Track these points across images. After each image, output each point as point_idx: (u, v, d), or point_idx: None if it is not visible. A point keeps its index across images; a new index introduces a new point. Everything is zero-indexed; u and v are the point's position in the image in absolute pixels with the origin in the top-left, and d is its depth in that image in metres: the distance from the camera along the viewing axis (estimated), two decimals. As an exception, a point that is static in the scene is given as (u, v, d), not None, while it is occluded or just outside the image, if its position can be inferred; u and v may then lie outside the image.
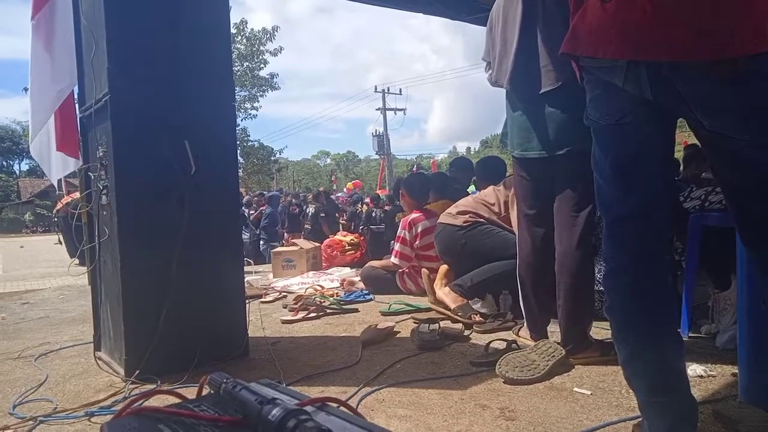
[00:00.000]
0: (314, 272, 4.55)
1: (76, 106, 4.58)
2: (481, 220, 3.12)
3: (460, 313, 2.75)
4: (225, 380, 0.68)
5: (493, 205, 3.19)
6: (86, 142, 2.41)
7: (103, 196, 2.19)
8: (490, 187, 3.33)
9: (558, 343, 2.09)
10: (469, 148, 71.91)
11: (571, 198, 2.09)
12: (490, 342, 2.28)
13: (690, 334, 2.39)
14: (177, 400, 0.80)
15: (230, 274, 2.30)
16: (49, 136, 4.36)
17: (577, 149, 2.04)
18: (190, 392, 1.86)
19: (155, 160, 2.10)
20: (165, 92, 2.12)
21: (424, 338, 2.37)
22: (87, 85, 2.34)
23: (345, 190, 25.27)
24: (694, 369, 1.90)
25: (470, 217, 3.14)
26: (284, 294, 3.85)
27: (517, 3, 2.10)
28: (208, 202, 2.20)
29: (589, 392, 1.78)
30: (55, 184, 6.18)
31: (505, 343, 2.21)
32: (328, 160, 72.23)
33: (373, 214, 8.02)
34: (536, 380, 1.90)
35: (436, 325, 2.47)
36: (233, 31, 22.41)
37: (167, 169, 2.11)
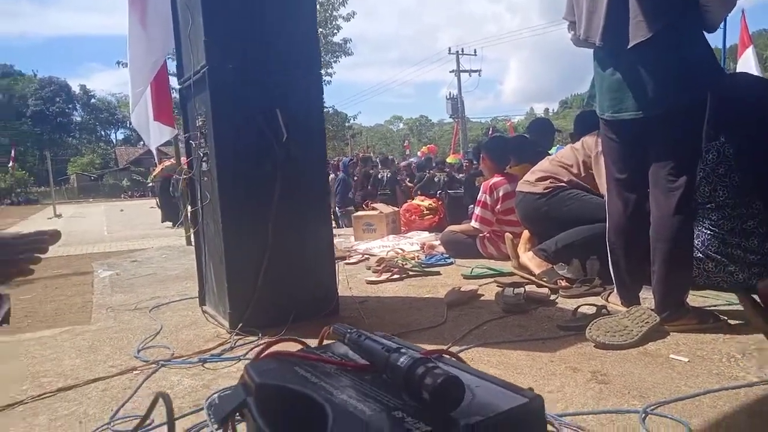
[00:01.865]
0: (394, 236, 4.64)
1: (171, 78, 4.85)
2: (562, 184, 3.02)
3: (545, 279, 2.73)
4: (349, 330, 0.73)
5: (572, 166, 3.07)
6: (186, 112, 2.57)
7: (203, 163, 2.34)
8: (568, 147, 3.22)
9: (651, 310, 2.04)
10: (547, 110, 68.95)
11: (670, 161, 1.99)
12: (578, 307, 2.25)
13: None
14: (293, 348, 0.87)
15: (321, 236, 2.41)
16: (147, 107, 4.68)
17: (675, 108, 1.93)
18: (290, 345, 2.00)
19: (250, 127, 2.21)
20: (256, 61, 2.21)
21: (509, 301, 2.38)
22: (185, 58, 2.47)
23: (419, 154, 25.19)
24: (805, 340, 1.79)
25: (550, 182, 3.05)
26: (366, 256, 3.96)
27: None
28: (298, 168, 2.30)
29: (686, 359, 1.73)
30: (154, 152, 6.67)
31: (595, 308, 2.18)
32: (401, 125, 71.99)
33: (436, 179, 8.02)
34: (629, 346, 1.86)
35: (521, 288, 2.47)
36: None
37: (261, 136, 2.22)
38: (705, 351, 1.81)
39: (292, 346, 0.95)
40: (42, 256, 0.96)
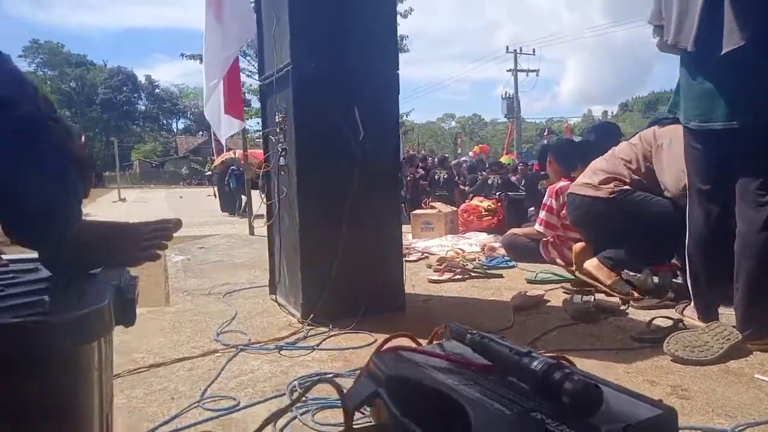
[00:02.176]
0: (452, 235, 4.64)
1: (246, 75, 4.99)
2: (627, 187, 2.88)
3: (617, 289, 2.66)
4: (470, 331, 0.76)
5: (630, 162, 2.91)
6: (265, 108, 2.66)
7: (281, 158, 2.43)
8: (624, 143, 3.09)
9: (733, 327, 1.97)
10: (606, 112, 66.61)
11: (760, 175, 1.92)
12: (652, 319, 2.20)
13: None
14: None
15: (391, 234, 2.45)
16: (219, 100, 4.87)
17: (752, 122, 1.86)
18: (360, 338, 2.05)
19: (328, 124, 2.27)
20: (337, 62, 2.27)
21: (578, 308, 2.35)
22: (267, 56, 2.56)
23: (470, 154, 24.95)
24: None
25: (615, 185, 2.90)
26: (426, 254, 3.99)
27: None
28: (373, 165, 2.35)
29: (773, 381, 1.67)
30: (223, 143, 6.92)
31: (671, 321, 2.13)
32: (453, 123, 71.41)
33: (489, 182, 7.91)
34: (709, 362, 1.81)
35: (591, 296, 2.43)
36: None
37: (339, 133, 2.28)
38: (794, 373, 1.74)
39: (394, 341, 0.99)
40: (167, 242, 1.03)
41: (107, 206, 17.74)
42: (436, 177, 8.10)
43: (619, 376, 1.74)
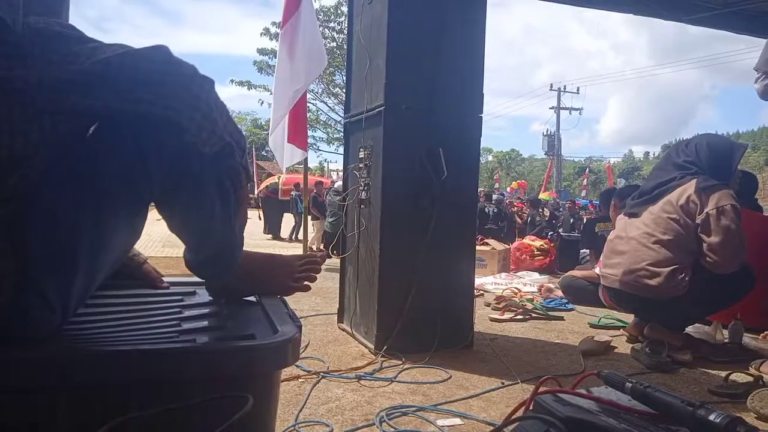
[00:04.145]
0: (505, 273, 4.66)
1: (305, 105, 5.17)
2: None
3: (688, 347, 2.55)
4: (629, 380, 0.82)
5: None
6: (348, 144, 2.79)
7: (363, 192, 2.54)
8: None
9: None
10: (647, 153, 65.65)
11: None
12: (729, 373, 2.18)
13: None
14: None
15: (465, 271, 2.52)
16: (284, 130, 5.07)
17: None
18: (434, 373, 2.09)
19: (414, 163, 2.38)
20: (427, 103, 2.39)
21: (653, 358, 2.34)
22: (354, 94, 2.70)
23: (508, 189, 24.90)
24: None
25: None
26: (481, 292, 4.01)
27: None
28: (452, 205, 2.43)
29: None
30: (283, 170, 7.16)
31: (751, 377, 2.11)
32: (490, 157, 71.32)
33: (538, 219, 7.84)
34: (796, 422, 1.79)
35: (664, 345, 2.42)
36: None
37: (422, 172, 2.38)
38: None
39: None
40: (316, 276, 1.13)
41: (150, 224, 18.31)
42: (486, 210, 8.13)
43: (704, 430, 1.74)
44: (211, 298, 1.09)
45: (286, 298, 1.13)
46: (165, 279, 1.19)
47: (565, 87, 30.17)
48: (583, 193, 28.64)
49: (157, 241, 12.46)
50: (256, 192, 14.74)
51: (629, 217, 2.71)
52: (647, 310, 2.64)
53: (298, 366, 2.17)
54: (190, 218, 0.87)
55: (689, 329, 2.75)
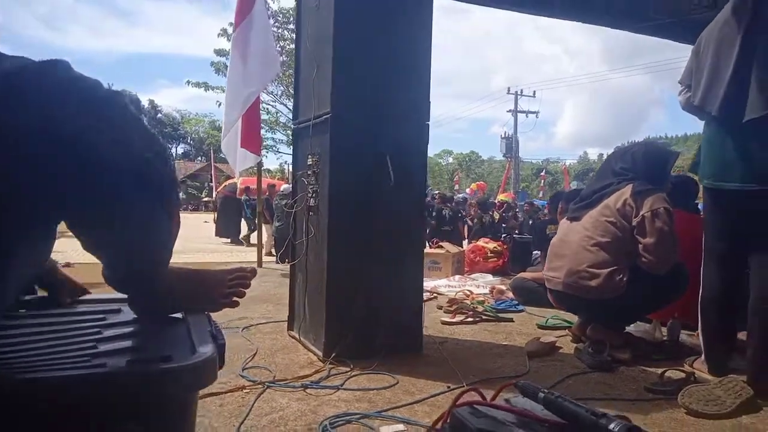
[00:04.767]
0: (459, 276, 4.72)
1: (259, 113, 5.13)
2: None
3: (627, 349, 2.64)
4: (543, 390, 0.84)
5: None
6: (296, 150, 2.77)
7: (312, 199, 2.52)
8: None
9: (744, 382, 2.05)
10: (601, 155, 67.66)
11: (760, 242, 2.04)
12: (665, 371, 2.27)
13: None
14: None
15: (413, 276, 2.54)
16: (236, 134, 5.00)
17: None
18: (382, 378, 2.09)
19: (361, 170, 2.38)
20: (373, 113, 2.40)
21: (594, 358, 2.42)
22: (302, 101, 2.69)
23: (468, 191, 25.23)
24: None
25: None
26: (434, 294, 4.06)
27: (738, 27, 2.06)
28: (399, 211, 2.45)
29: (784, 438, 1.75)
30: (236, 175, 7.04)
31: (683, 374, 2.20)
32: (450, 159, 72.14)
33: (484, 219, 7.87)
34: (722, 416, 1.88)
35: (605, 344, 2.50)
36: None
37: (369, 180, 2.39)
38: (803, 431, 1.81)
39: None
40: (245, 291, 1.12)
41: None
42: (443, 213, 8.20)
43: (638, 427, 1.80)
44: (135, 316, 1.06)
45: (220, 311, 1.11)
46: (90, 296, 1.15)
47: (522, 91, 30.87)
48: (541, 194, 29.35)
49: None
50: (214, 195, 14.44)
51: (571, 221, 2.80)
52: (589, 311, 2.73)
53: (243, 376, 2.14)
54: (103, 237, 0.85)
55: (630, 328, 2.86)
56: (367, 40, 2.39)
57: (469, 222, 8.42)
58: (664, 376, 2.24)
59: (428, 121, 2.53)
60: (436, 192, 14.27)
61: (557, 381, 2.22)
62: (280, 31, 14.80)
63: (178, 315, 1.07)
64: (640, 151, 2.80)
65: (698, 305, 2.31)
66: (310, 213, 2.53)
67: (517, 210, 11.31)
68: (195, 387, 0.79)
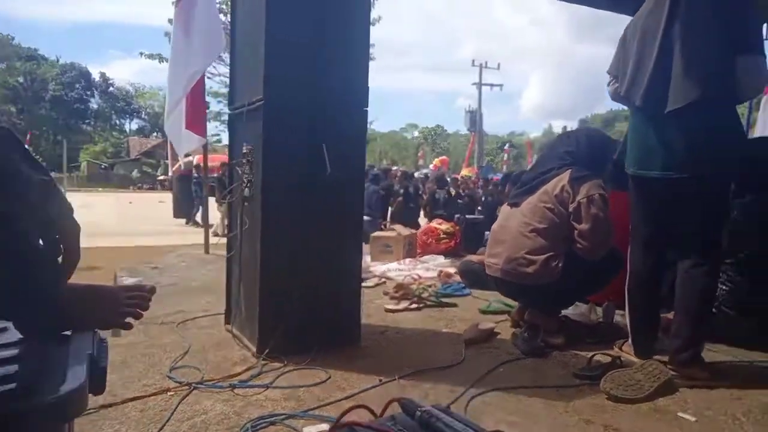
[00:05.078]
0: (410, 259, 4.73)
1: (208, 99, 4.96)
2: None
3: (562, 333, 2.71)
4: (420, 409, 0.82)
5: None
6: (232, 136, 2.67)
7: (246, 189, 2.44)
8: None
9: (664, 364, 2.12)
10: (565, 127, 68.81)
11: (698, 221, 2.13)
12: (593, 355, 2.33)
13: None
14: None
15: (351, 269, 2.51)
16: (181, 115, 4.82)
17: (701, 174, 2.03)
18: (314, 374, 2.06)
19: (296, 160, 2.31)
20: (309, 98, 2.32)
21: (528, 344, 2.46)
22: (239, 85, 2.58)
23: (431, 167, 25.31)
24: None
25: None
26: (383, 280, 4.05)
27: (660, 18, 2.08)
28: (337, 201, 2.40)
29: (693, 419, 1.82)
30: (181, 158, 6.82)
31: (610, 357, 2.26)
32: (416, 133, 72.06)
33: (437, 196, 7.92)
34: (639, 400, 1.95)
35: (539, 330, 2.55)
36: None
37: (305, 169, 2.32)
38: (712, 411, 1.89)
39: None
40: (143, 312, 1.06)
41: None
42: (436, 197, 8.03)
43: (558, 414, 1.85)
44: (21, 336, 0.99)
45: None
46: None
47: (486, 63, 30.84)
48: (504, 168, 29.66)
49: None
50: (169, 173, 13.97)
51: (511, 207, 2.81)
52: (527, 297, 2.77)
53: (170, 377, 2.09)
54: None
55: (568, 311, 2.92)
56: (302, 24, 2.29)
57: (424, 197, 8.38)
58: (592, 361, 2.29)
59: (366, 107, 2.47)
60: (395, 168, 14.19)
61: (490, 369, 2.25)
62: (225, 6, 14.23)
63: (67, 332, 1.01)
64: (584, 135, 2.83)
65: (625, 289, 2.37)
66: (245, 203, 2.46)
67: (479, 187, 11.35)
68: (57, 421, 0.74)
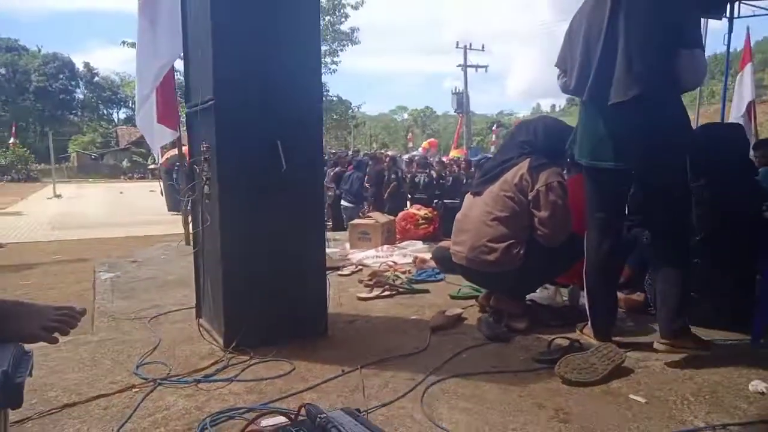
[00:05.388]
0: (388, 246, 4.77)
1: (178, 92, 4.95)
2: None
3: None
4: (320, 415, 0.86)
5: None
6: (191, 134, 2.68)
7: (206, 186, 2.46)
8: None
9: (619, 348, 2.18)
10: (554, 106, 68.80)
11: (659, 204, 2.22)
12: (553, 339, 2.39)
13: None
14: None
15: (314, 260, 2.54)
16: (152, 108, 4.79)
17: (653, 163, 2.09)
18: (279, 366, 2.10)
19: (252, 157, 2.33)
20: (261, 96, 2.32)
21: (492, 328, 2.52)
22: (193, 84, 2.58)
23: (420, 149, 25.25)
24: (755, 385, 1.93)
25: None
26: (360, 267, 4.10)
27: (604, 12, 2.10)
28: (296, 194, 2.42)
29: (643, 400, 1.87)
30: (155, 153, 6.78)
31: (569, 341, 2.32)
32: (406, 116, 71.76)
33: (417, 179, 7.92)
34: (593, 383, 2.00)
35: (503, 315, 2.60)
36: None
37: (261, 165, 2.34)
38: (663, 391, 1.95)
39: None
40: (70, 330, 1.10)
41: (41, 203, 16.94)
42: (416, 180, 8.03)
43: (513, 399, 1.90)
44: None
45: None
46: None
47: (470, 44, 30.55)
48: (493, 149, 29.62)
49: (45, 223, 11.56)
50: (158, 162, 13.89)
51: (473, 196, 2.85)
52: (490, 284, 2.82)
53: (136, 374, 2.13)
54: None
55: (534, 295, 2.98)
56: (250, 21, 2.28)
57: (405, 180, 8.37)
58: (552, 344, 2.35)
59: (320, 102, 2.49)
60: (383, 152, 14.12)
61: (452, 355, 2.31)
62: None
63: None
64: (541, 125, 2.88)
65: (583, 273, 2.42)
66: (206, 200, 2.48)
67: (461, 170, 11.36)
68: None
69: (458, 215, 2.93)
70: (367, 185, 8.63)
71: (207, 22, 2.24)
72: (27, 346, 1.08)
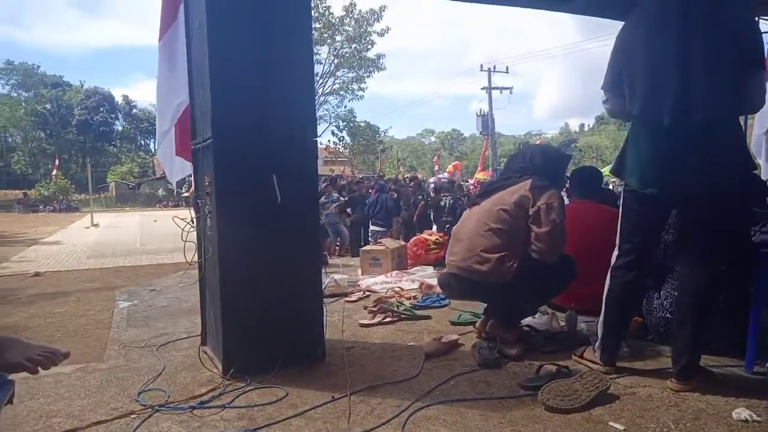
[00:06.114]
0: (397, 272, 4.83)
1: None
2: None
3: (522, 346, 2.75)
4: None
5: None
6: (197, 170, 2.84)
7: (208, 219, 2.61)
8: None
9: (605, 374, 2.19)
10: (582, 125, 67.94)
11: (704, 238, 2.17)
12: (542, 365, 2.41)
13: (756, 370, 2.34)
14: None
15: (311, 288, 2.64)
16: (171, 143, 5.01)
17: (715, 191, 2.05)
18: (273, 393, 2.18)
19: (249, 191, 2.46)
20: (257, 134, 2.46)
21: (483, 355, 2.55)
22: (197, 121, 2.75)
23: (446, 173, 25.32)
24: (739, 413, 1.92)
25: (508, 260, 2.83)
26: (368, 293, 4.17)
27: (668, 34, 2.05)
28: (291, 226, 2.53)
29: (622, 428, 1.88)
30: (173, 185, 7.02)
31: (557, 367, 2.33)
32: (433, 138, 71.98)
33: (442, 203, 7.89)
34: (575, 410, 2.02)
35: (495, 342, 2.63)
36: (341, 13, 23.26)
37: (258, 200, 2.47)
38: (645, 419, 1.95)
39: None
40: (51, 366, 1.22)
41: (80, 232, 17.60)
42: (441, 203, 8.03)
43: (493, 427, 1.94)
44: None
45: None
46: None
47: (494, 67, 30.75)
48: (520, 169, 29.35)
49: (82, 252, 12.00)
50: (188, 190, 14.27)
51: (471, 208, 2.96)
52: (481, 295, 2.90)
53: (137, 400, 2.24)
54: None
55: (530, 320, 3.00)
56: (246, 62, 2.44)
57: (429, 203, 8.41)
58: (540, 370, 2.37)
59: (315, 137, 2.62)
60: (407, 176, 14.26)
61: (441, 382, 2.35)
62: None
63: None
64: (538, 152, 2.97)
65: (604, 296, 2.40)
66: (208, 232, 2.61)
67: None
68: None
69: (455, 227, 3.03)
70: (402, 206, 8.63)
71: (205, 69, 2.41)
72: (10, 376, 1.21)
